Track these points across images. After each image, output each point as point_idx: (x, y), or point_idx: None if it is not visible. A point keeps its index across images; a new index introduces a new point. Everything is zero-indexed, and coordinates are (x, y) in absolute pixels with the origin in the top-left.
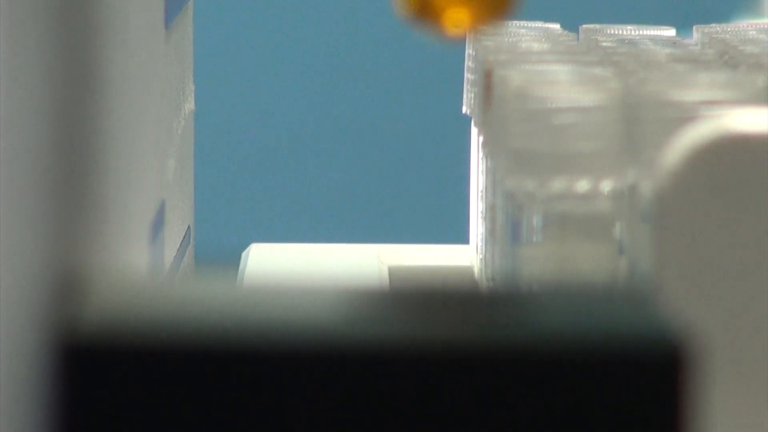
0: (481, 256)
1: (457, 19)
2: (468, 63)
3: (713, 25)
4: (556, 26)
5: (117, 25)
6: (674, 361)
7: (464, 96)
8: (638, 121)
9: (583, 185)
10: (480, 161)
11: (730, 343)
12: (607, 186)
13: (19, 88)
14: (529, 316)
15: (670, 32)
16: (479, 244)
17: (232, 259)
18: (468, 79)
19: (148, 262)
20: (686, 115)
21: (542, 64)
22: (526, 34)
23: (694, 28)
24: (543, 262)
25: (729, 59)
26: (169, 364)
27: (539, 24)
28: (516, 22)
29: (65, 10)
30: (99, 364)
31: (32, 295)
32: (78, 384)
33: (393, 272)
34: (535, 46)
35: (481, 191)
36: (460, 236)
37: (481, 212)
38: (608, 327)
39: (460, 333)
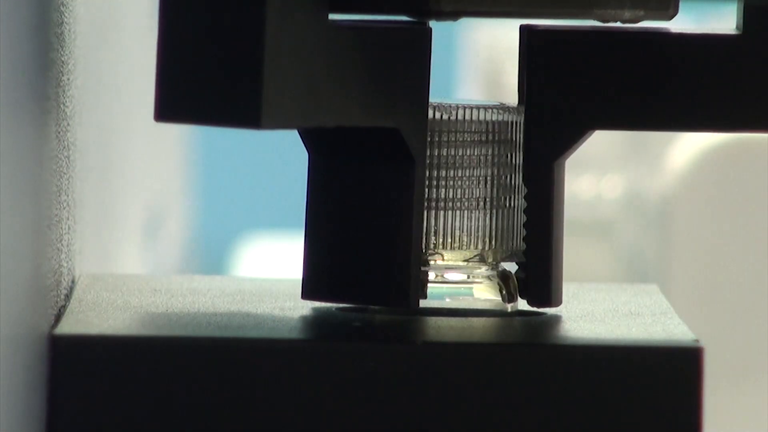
0: None
1: None
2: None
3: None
4: None
5: (114, 24)
6: (678, 360)
7: None
8: None
9: (585, 185)
10: None
11: (735, 343)
12: (610, 186)
13: (12, 89)
14: (529, 316)
15: None
16: None
17: (229, 257)
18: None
19: (143, 260)
20: None
21: None
22: None
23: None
24: None
25: None
26: (160, 360)
27: None
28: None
29: (64, 10)
30: (92, 361)
31: (26, 295)
32: (69, 380)
33: None
34: None
35: None
36: None
37: None
38: (612, 327)
39: (462, 330)
